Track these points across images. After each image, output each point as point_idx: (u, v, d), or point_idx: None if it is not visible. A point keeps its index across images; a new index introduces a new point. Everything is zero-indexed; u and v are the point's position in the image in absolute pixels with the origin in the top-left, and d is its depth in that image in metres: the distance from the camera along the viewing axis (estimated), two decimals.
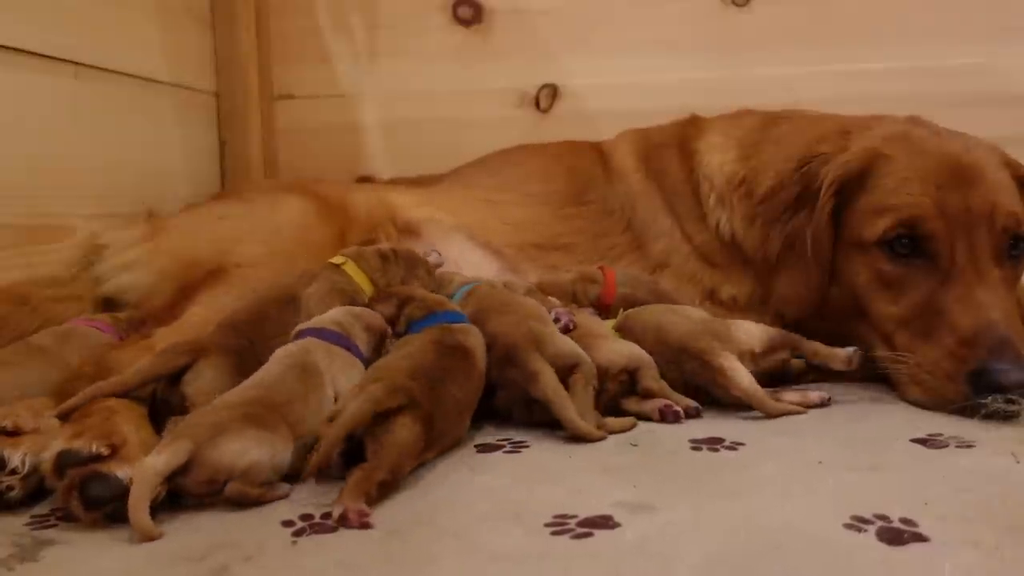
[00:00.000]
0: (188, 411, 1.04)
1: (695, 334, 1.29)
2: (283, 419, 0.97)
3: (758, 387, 1.24)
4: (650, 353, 1.28)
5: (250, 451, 0.92)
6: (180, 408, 1.07)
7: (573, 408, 1.12)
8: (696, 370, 1.26)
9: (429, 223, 1.79)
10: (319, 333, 1.13)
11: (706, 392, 1.27)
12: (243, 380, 1.06)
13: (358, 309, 1.22)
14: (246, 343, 1.16)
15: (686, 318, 1.35)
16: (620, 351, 1.27)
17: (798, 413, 1.24)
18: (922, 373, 1.30)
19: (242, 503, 0.91)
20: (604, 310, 1.49)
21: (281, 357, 1.09)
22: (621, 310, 1.44)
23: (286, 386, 1.02)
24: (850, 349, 1.31)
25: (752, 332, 1.31)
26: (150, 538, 0.84)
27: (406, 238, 1.76)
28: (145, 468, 0.87)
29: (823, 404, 1.27)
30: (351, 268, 1.36)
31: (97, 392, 1.04)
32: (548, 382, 1.13)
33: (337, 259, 1.37)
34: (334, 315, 1.19)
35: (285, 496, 0.94)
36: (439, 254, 1.53)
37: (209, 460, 0.90)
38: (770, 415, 1.22)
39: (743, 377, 1.23)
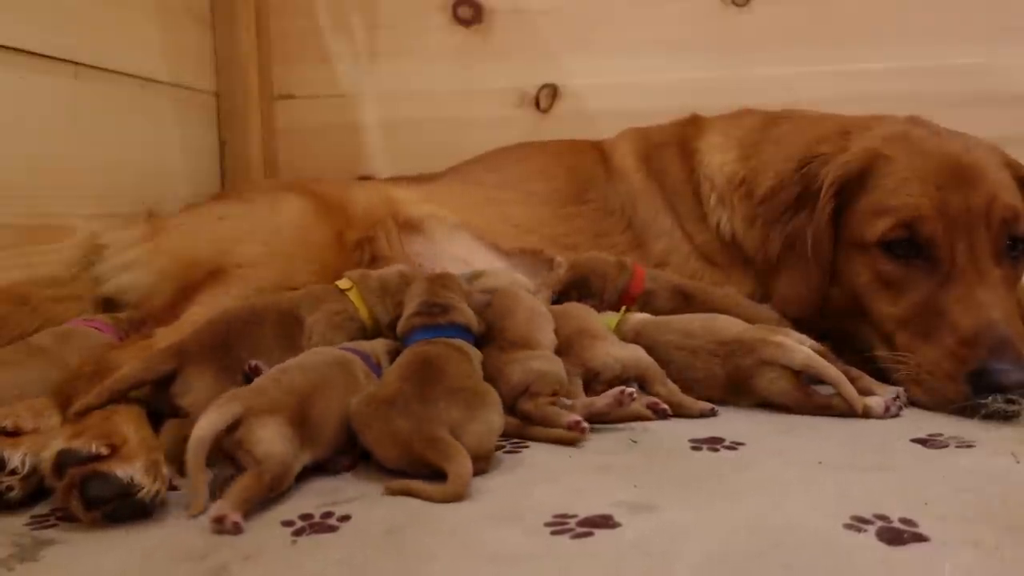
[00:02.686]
0: (183, 416, 1.05)
1: (747, 328, 1.31)
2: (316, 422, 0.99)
3: (819, 357, 1.22)
4: (694, 351, 1.29)
5: (276, 443, 0.93)
6: (172, 412, 1.07)
7: (550, 432, 1.13)
8: (746, 358, 1.25)
9: (431, 220, 1.79)
10: (364, 357, 1.16)
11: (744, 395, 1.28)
12: (225, 384, 1.05)
13: (386, 343, 1.25)
14: (229, 346, 1.13)
15: (730, 320, 1.35)
16: (617, 357, 1.26)
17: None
18: (922, 373, 1.29)
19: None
20: (629, 303, 1.49)
21: (329, 352, 1.12)
22: (624, 310, 1.44)
23: (336, 387, 1.05)
24: (888, 397, 1.25)
25: (803, 339, 1.31)
26: (199, 508, 0.87)
27: (408, 235, 1.75)
28: (199, 428, 0.90)
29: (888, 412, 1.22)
30: (355, 296, 1.35)
31: (83, 407, 1.02)
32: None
33: (344, 283, 1.36)
34: (378, 347, 1.22)
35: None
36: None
37: (247, 432, 0.92)
38: (838, 384, 1.20)
39: (800, 348, 1.23)
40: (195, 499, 0.89)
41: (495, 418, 1.04)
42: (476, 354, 1.18)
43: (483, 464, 1.01)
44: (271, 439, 0.92)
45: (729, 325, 1.33)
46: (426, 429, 0.97)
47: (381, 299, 1.36)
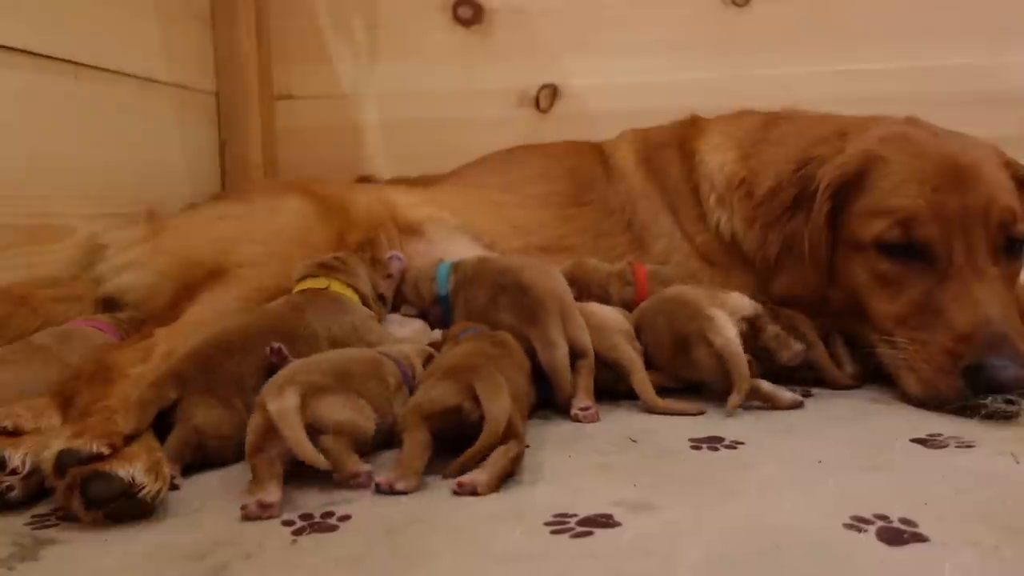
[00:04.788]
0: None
1: (690, 291, 1.36)
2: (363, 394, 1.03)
3: (739, 346, 1.25)
4: (645, 312, 1.39)
5: (345, 410, 0.99)
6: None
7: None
8: (685, 321, 1.30)
9: (431, 223, 1.79)
10: (397, 362, 1.18)
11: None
12: (219, 401, 1.06)
13: (422, 349, 1.28)
14: (222, 368, 1.11)
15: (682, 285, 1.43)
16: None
17: (763, 403, 1.27)
18: (919, 361, 1.29)
19: (333, 462, 0.95)
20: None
21: (360, 351, 1.17)
22: None
23: (361, 367, 1.09)
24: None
25: (743, 300, 1.37)
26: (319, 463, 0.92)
27: (408, 238, 1.76)
28: (284, 410, 0.94)
29: (794, 406, 1.27)
30: (340, 288, 1.36)
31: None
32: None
33: (319, 283, 1.35)
34: (408, 350, 1.24)
35: (365, 479, 0.96)
36: (399, 258, 1.56)
37: (311, 410, 0.96)
38: (739, 378, 1.22)
39: (730, 329, 1.26)
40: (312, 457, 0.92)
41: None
42: None
43: (516, 447, 1.00)
44: (335, 409, 0.98)
45: (672, 286, 1.41)
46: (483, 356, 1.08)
47: (356, 279, 1.40)
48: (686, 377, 1.33)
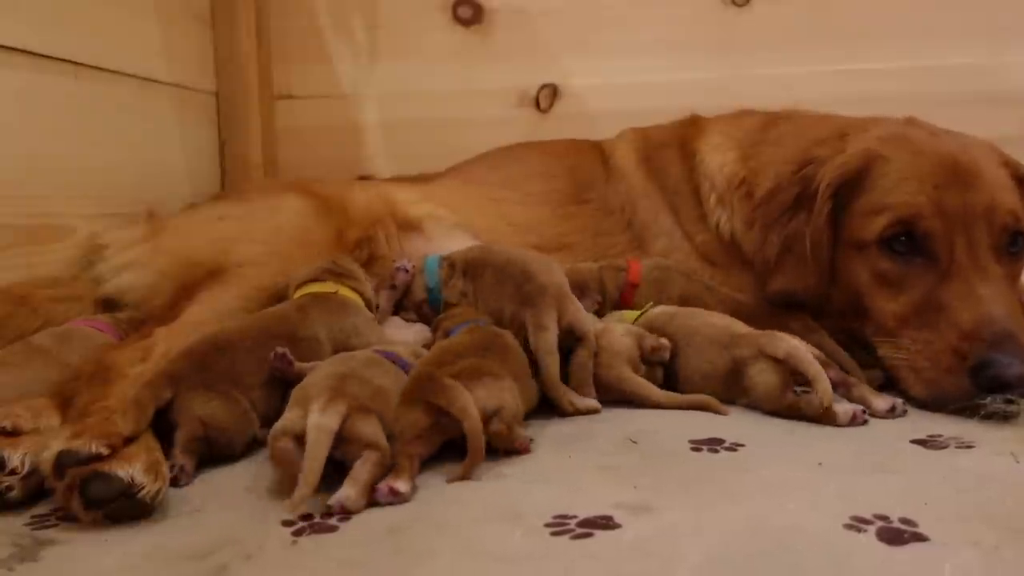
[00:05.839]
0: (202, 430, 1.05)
1: (739, 323, 1.35)
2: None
3: (806, 351, 1.22)
4: (683, 332, 1.36)
5: (376, 433, 0.97)
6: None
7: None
8: (746, 349, 1.27)
9: (430, 220, 1.79)
10: (394, 357, 1.18)
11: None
12: (216, 394, 1.06)
13: (414, 350, 1.27)
14: (217, 366, 1.11)
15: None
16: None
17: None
18: (923, 361, 1.29)
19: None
20: (630, 294, 1.51)
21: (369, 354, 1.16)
22: (651, 304, 1.48)
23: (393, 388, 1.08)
24: (895, 400, 1.24)
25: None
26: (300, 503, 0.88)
27: (407, 235, 1.75)
28: (320, 429, 0.92)
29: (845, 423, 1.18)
30: (348, 293, 1.37)
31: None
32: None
33: (327, 287, 1.36)
34: (403, 351, 1.24)
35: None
36: (406, 270, 1.55)
37: (352, 429, 0.95)
38: (816, 380, 1.17)
39: (790, 339, 1.24)
40: (301, 491, 0.89)
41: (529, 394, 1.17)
42: None
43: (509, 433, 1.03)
44: (375, 432, 0.97)
45: (743, 325, 1.35)
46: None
47: (361, 283, 1.41)
48: (732, 400, 1.29)
